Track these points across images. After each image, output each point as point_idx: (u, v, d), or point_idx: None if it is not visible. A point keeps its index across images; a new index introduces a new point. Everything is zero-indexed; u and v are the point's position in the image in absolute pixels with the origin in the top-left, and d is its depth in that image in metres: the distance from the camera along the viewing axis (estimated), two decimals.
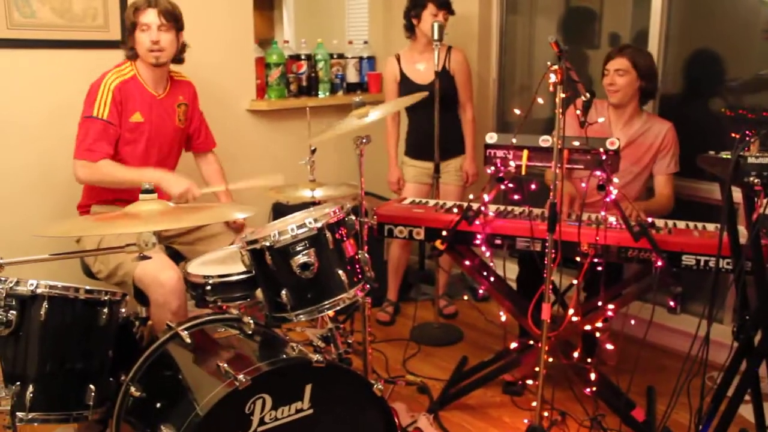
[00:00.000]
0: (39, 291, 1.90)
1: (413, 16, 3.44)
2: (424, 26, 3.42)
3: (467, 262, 2.71)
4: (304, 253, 2.04)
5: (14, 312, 1.88)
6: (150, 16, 2.60)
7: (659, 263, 2.33)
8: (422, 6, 3.39)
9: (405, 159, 3.69)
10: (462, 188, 3.60)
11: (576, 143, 2.33)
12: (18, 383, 1.88)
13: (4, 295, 1.86)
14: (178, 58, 2.80)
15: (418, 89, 3.33)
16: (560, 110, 2.10)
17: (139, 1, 2.64)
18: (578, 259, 2.41)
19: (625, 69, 2.85)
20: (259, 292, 2.18)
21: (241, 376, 1.78)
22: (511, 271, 2.89)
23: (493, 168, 2.46)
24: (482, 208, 2.52)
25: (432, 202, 2.91)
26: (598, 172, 2.31)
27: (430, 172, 3.52)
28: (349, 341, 2.62)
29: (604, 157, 2.31)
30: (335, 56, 4.10)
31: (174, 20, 2.65)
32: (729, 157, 1.95)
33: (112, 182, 2.64)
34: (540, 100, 2.32)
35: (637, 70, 2.86)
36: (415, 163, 3.62)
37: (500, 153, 2.44)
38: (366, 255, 2.28)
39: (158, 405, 1.98)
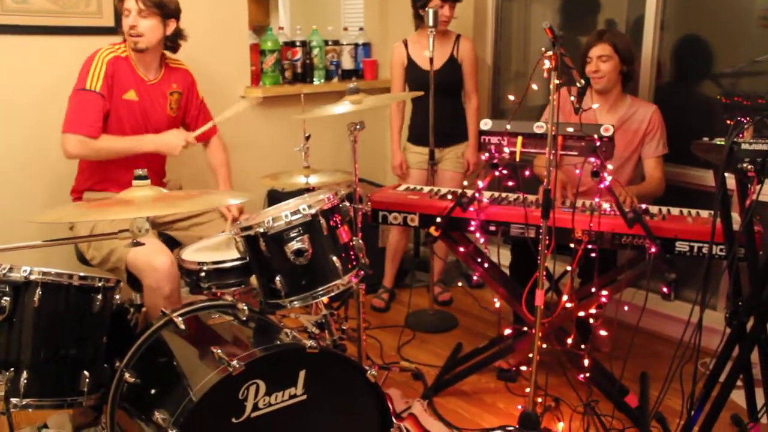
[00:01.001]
0: (32, 277, 1.90)
1: (420, 6, 3.45)
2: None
3: (461, 249, 2.71)
4: (298, 239, 2.04)
5: (7, 298, 1.87)
6: (130, 2, 2.59)
7: (653, 250, 2.34)
8: None
9: (407, 145, 3.70)
10: (461, 175, 3.61)
11: (570, 129, 2.33)
12: (12, 369, 1.88)
13: None
14: (169, 46, 2.78)
15: (424, 75, 3.38)
16: (554, 96, 2.10)
17: None
18: (572, 245, 2.42)
19: (608, 54, 2.85)
20: (253, 279, 2.18)
21: (234, 362, 1.78)
22: (505, 257, 2.90)
23: (487, 154, 2.46)
24: (476, 195, 2.52)
25: (426, 189, 2.91)
26: (592, 159, 2.31)
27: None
28: (344, 327, 2.63)
29: (598, 144, 2.31)
30: (330, 43, 4.08)
31: (157, 6, 2.61)
32: (723, 143, 1.95)
33: (108, 155, 2.63)
34: (534, 87, 2.32)
35: (618, 54, 2.86)
36: (417, 150, 3.63)
37: (494, 139, 2.44)
38: (360, 241, 2.28)
39: (152, 391, 1.98)
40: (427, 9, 3.28)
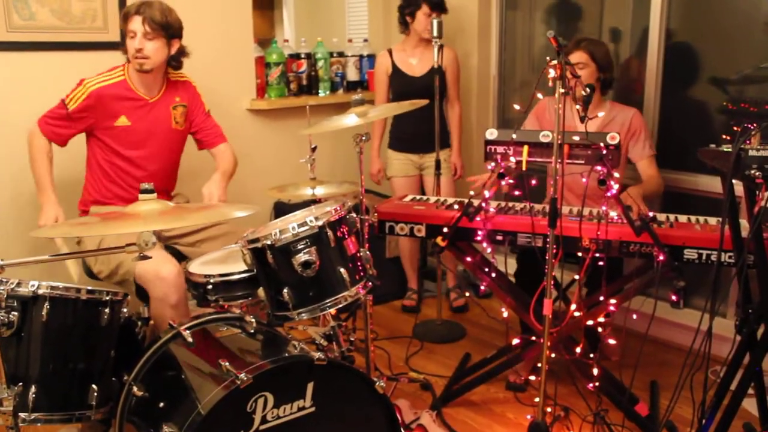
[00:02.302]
0: (40, 292, 1.90)
1: (408, 14, 3.52)
2: (417, 25, 3.51)
3: (468, 259, 2.70)
4: (305, 251, 2.04)
5: (16, 313, 1.88)
6: (136, 24, 2.60)
7: (661, 257, 2.32)
8: (417, 6, 3.47)
9: (390, 153, 3.73)
10: (450, 179, 3.66)
11: (576, 138, 2.33)
12: (20, 384, 1.88)
13: (5, 296, 1.85)
14: (173, 64, 2.78)
15: (409, 81, 3.50)
16: (560, 105, 2.10)
17: (129, 8, 2.65)
18: (579, 254, 2.41)
19: (585, 62, 2.85)
20: (260, 291, 2.18)
21: (242, 375, 1.78)
22: (512, 267, 2.89)
23: (493, 164, 2.46)
24: (483, 205, 2.52)
25: (433, 199, 2.91)
26: (598, 167, 2.31)
27: (416, 163, 3.67)
28: (352, 339, 2.62)
29: (605, 152, 2.30)
30: (335, 55, 4.10)
31: (162, 28, 2.61)
32: (730, 150, 1.94)
33: (30, 161, 2.73)
34: (540, 96, 2.32)
35: (595, 62, 2.86)
36: (399, 156, 3.67)
37: (500, 149, 2.44)
38: (368, 252, 2.28)
39: (161, 404, 1.98)
40: (432, 21, 3.35)
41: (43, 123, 2.69)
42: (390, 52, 3.66)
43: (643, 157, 2.94)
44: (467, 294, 3.92)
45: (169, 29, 2.65)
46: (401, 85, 3.59)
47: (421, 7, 3.44)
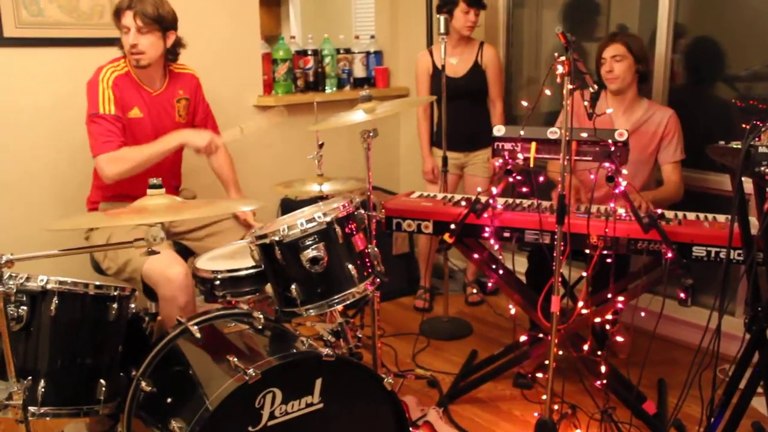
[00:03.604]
0: (49, 287, 1.91)
1: (446, 12, 3.48)
2: (456, 23, 3.48)
3: (476, 255, 2.70)
4: (313, 247, 2.04)
5: (25, 307, 1.88)
6: (128, 19, 2.56)
7: (669, 255, 2.32)
8: (454, 3, 3.44)
9: (433, 150, 3.73)
10: (489, 180, 3.63)
11: (584, 134, 2.32)
12: (29, 378, 1.88)
13: (14, 290, 1.86)
14: (170, 57, 2.76)
15: (450, 81, 3.45)
16: (568, 102, 2.09)
17: (120, 3, 2.59)
18: (587, 251, 2.40)
19: (622, 54, 2.85)
20: (268, 287, 2.18)
21: (251, 371, 1.78)
22: (520, 264, 2.88)
23: (501, 161, 2.45)
24: (490, 201, 2.52)
25: (440, 196, 2.91)
26: (606, 164, 2.30)
27: (457, 162, 3.66)
28: (359, 335, 2.62)
29: (612, 149, 2.29)
30: (342, 51, 4.09)
31: (156, 22, 2.57)
32: (739, 147, 1.93)
33: (141, 163, 2.58)
34: (548, 92, 2.31)
35: (632, 54, 2.85)
36: (440, 154, 3.63)
37: (508, 145, 2.43)
38: (375, 249, 2.28)
39: (169, 400, 1.98)
40: (438, 16, 3.32)
41: (105, 145, 2.56)
42: (431, 51, 3.64)
43: (671, 160, 2.94)
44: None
45: (163, 22, 2.61)
46: (441, 85, 3.47)
47: (458, 5, 3.42)
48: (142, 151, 2.59)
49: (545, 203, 2.67)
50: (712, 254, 2.33)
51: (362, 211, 2.21)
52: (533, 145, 2.40)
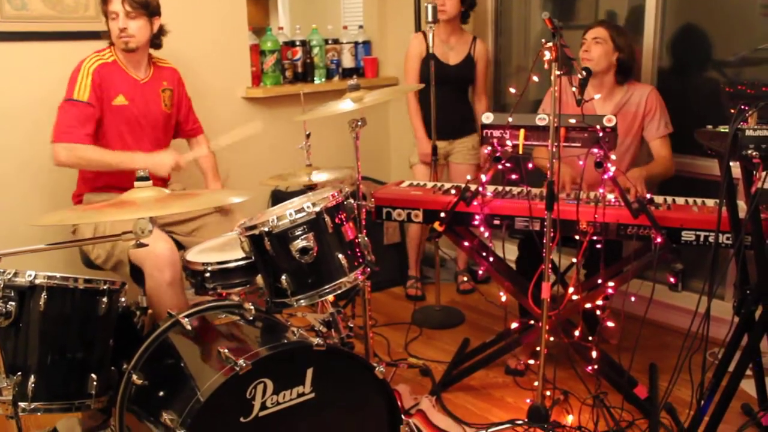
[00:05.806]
0: (37, 282, 1.90)
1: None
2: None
3: (466, 243, 2.70)
4: (303, 237, 2.04)
5: (13, 303, 1.87)
6: (116, 5, 2.63)
7: (659, 240, 2.32)
8: None
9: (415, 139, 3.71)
10: (476, 166, 3.64)
11: (572, 121, 2.32)
12: (19, 373, 1.88)
13: (2, 286, 1.85)
14: (154, 43, 2.81)
15: (443, 68, 3.48)
16: (555, 88, 2.09)
17: None
18: (577, 237, 2.41)
19: (603, 38, 2.84)
20: (259, 278, 2.17)
21: (241, 361, 1.78)
22: (510, 252, 2.88)
23: (489, 148, 2.45)
24: (480, 189, 2.52)
25: (430, 185, 2.90)
26: (595, 150, 2.30)
27: (442, 151, 3.64)
28: (351, 325, 2.62)
29: (601, 134, 2.30)
30: (330, 42, 4.07)
31: (142, 6, 2.66)
32: (727, 131, 1.94)
33: (95, 167, 2.66)
34: (535, 78, 2.31)
35: (613, 41, 2.85)
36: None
37: (497, 133, 2.43)
38: (366, 238, 2.28)
39: (160, 392, 1.98)
40: (426, 5, 3.32)
41: (64, 135, 2.59)
42: (425, 34, 3.52)
43: (657, 136, 2.92)
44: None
45: (149, 7, 2.70)
46: (435, 70, 3.42)
47: None
48: (102, 157, 2.62)
49: (535, 190, 2.67)
50: (701, 238, 2.34)
51: (352, 201, 2.21)
52: (522, 132, 2.40)
